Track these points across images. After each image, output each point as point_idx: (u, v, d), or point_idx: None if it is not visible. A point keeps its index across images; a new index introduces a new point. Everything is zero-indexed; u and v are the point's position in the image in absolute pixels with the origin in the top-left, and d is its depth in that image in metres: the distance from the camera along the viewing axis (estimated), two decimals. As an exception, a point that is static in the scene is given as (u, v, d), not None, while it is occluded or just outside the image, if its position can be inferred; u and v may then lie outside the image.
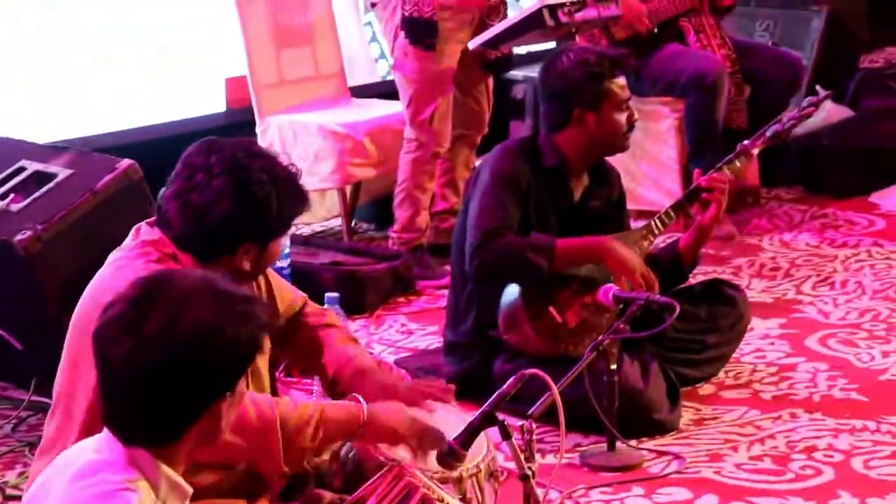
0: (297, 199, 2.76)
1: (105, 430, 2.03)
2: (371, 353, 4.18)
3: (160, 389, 1.94)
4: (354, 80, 6.08)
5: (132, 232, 2.77)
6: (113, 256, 2.74)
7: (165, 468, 1.99)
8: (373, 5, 5.27)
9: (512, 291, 3.82)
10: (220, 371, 1.97)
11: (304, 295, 3.07)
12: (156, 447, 1.98)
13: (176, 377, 1.93)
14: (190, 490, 2.04)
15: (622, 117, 3.93)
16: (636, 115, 4.00)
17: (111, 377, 1.96)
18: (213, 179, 2.65)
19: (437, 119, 5.09)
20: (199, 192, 2.64)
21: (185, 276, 2.01)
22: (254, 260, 2.72)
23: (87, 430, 2.37)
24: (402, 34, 5.07)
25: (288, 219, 2.77)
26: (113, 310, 1.97)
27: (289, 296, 3.00)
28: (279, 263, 4.75)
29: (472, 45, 5.14)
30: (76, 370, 2.67)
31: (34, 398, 3.91)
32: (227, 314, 1.96)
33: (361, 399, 2.69)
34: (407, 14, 5.02)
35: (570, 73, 3.91)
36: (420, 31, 5.02)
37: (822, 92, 4.37)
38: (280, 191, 2.70)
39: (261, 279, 2.92)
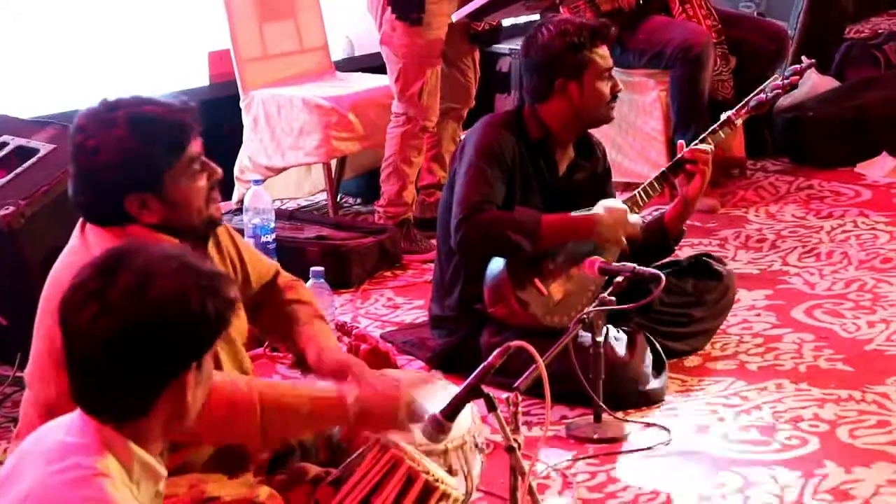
0: (161, 134, 2.57)
1: (77, 411, 2.01)
2: (357, 328, 4.19)
3: (124, 358, 1.91)
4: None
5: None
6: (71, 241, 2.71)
7: (137, 449, 1.96)
8: None
9: (497, 264, 3.81)
10: (185, 341, 1.94)
11: (276, 265, 3.05)
12: (124, 422, 1.96)
13: (140, 345, 1.91)
14: (163, 472, 2.02)
15: (605, 86, 3.92)
16: (620, 86, 3.99)
17: (76, 347, 1.94)
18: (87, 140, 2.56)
19: (425, 93, 5.07)
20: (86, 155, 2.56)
21: (154, 248, 1.99)
22: (160, 211, 2.57)
23: (55, 414, 2.36)
24: (388, 9, 5.04)
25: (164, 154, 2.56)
26: (79, 278, 1.95)
27: (260, 266, 2.98)
28: (265, 238, 4.75)
29: (455, 17, 5.11)
30: (36, 350, 2.65)
31: (19, 374, 3.90)
32: (195, 285, 1.94)
33: (349, 390, 2.62)
34: None
35: (551, 44, 3.90)
36: (407, 6, 4.99)
37: (805, 61, 4.36)
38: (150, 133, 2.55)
39: (231, 249, 2.88)
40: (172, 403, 1.98)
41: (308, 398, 2.56)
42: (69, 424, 1.99)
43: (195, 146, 2.60)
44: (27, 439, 2.06)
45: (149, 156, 2.53)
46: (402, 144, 5.13)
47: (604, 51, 3.93)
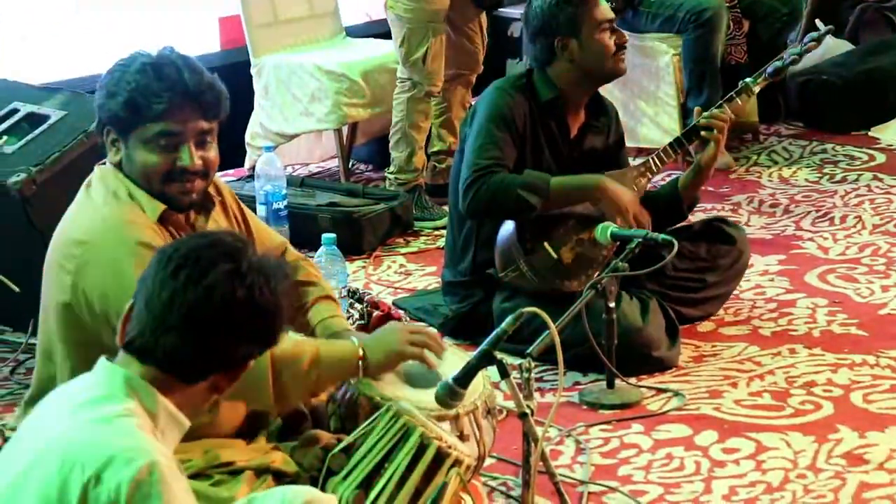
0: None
1: (100, 364, 2.03)
2: (369, 294, 4.19)
3: (219, 328, 1.99)
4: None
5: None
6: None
7: (164, 399, 2.01)
8: None
9: (507, 229, 3.81)
10: (264, 335, 2.06)
11: (285, 241, 3.04)
12: (168, 374, 2.01)
13: (238, 324, 2.01)
14: (187, 422, 2.06)
15: (606, 38, 3.88)
16: (626, 36, 3.94)
17: (174, 300, 1.99)
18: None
19: (430, 58, 5.05)
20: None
21: (262, 255, 2.10)
22: (120, 158, 2.65)
23: (73, 373, 2.37)
24: None
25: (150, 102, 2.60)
26: (216, 249, 2.02)
27: (268, 240, 2.96)
28: (276, 205, 4.74)
29: None
30: (47, 313, 2.67)
31: (32, 341, 3.90)
32: (286, 295, 2.07)
33: (355, 339, 2.70)
34: None
35: (544, 5, 3.88)
36: None
37: (822, 27, 4.32)
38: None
39: (240, 219, 2.87)
40: (216, 386, 2.05)
41: (318, 348, 2.64)
42: (91, 380, 2.03)
43: (176, 126, 2.60)
44: (45, 399, 2.08)
45: (123, 103, 2.58)
46: (409, 110, 5.12)
47: (598, 3, 3.89)
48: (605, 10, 3.90)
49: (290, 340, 2.61)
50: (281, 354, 2.55)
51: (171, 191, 2.64)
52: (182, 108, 2.59)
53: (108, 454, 1.89)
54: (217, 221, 2.78)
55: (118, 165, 2.66)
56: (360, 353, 2.67)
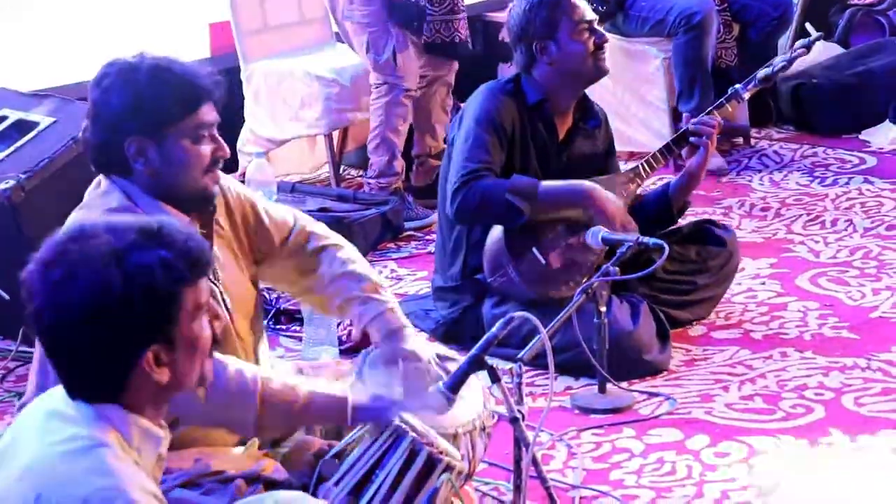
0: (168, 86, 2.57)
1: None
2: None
3: (83, 341, 1.89)
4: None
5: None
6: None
7: (134, 416, 1.95)
8: None
9: (495, 234, 3.80)
10: (136, 322, 1.90)
11: (304, 225, 2.93)
12: (103, 401, 1.93)
13: (95, 327, 1.88)
14: (161, 433, 2.00)
15: (583, 38, 3.86)
16: (605, 37, 3.91)
17: (43, 321, 1.92)
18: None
19: (399, 57, 5.05)
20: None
21: (92, 233, 1.93)
22: (155, 162, 2.58)
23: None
24: None
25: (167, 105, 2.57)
26: (25, 272, 1.93)
27: (285, 225, 2.90)
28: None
29: None
30: None
31: (22, 349, 3.90)
32: (124, 259, 1.88)
33: (349, 393, 2.58)
34: None
35: (520, 10, 3.89)
36: (407, 14, 4.98)
37: (812, 32, 4.33)
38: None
39: (249, 211, 2.84)
40: (147, 381, 1.93)
41: (308, 401, 2.53)
42: (64, 397, 1.97)
43: (208, 114, 2.60)
44: (23, 412, 2.05)
45: (159, 103, 2.55)
46: (387, 113, 5.12)
47: (575, 4, 3.87)
48: (581, 11, 3.88)
49: (281, 382, 2.54)
50: (271, 394, 2.51)
51: (208, 181, 2.63)
52: (204, 99, 2.59)
53: (83, 496, 1.84)
54: (222, 226, 2.76)
55: (151, 176, 2.59)
56: (350, 413, 2.56)
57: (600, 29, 3.93)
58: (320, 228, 2.97)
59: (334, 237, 2.97)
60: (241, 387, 2.49)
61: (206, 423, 2.57)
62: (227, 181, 2.81)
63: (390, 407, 2.57)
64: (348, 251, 2.94)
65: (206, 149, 2.61)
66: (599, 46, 3.88)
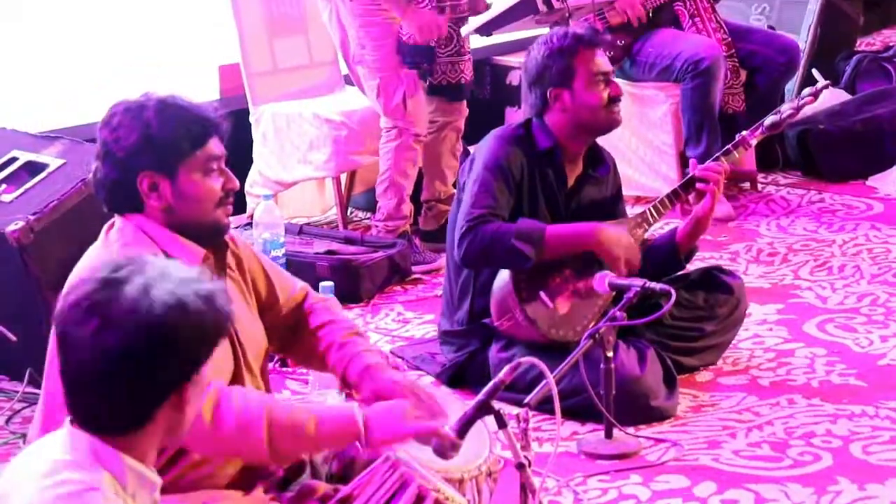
0: (181, 120, 2.60)
1: (66, 426, 2.00)
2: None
3: (125, 372, 1.91)
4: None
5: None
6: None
7: (130, 460, 1.95)
8: None
9: (503, 278, 3.80)
10: (184, 354, 1.94)
11: (305, 285, 3.00)
12: (120, 436, 1.95)
13: (141, 359, 1.90)
14: (157, 480, 2.00)
15: (598, 91, 3.87)
16: (620, 89, 3.92)
17: (73, 361, 1.93)
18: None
19: (409, 102, 5.07)
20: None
21: (152, 261, 1.98)
22: (168, 197, 2.60)
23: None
24: (356, 27, 5.02)
25: (179, 140, 2.59)
26: (78, 291, 1.94)
27: (288, 286, 2.95)
28: (274, 253, 4.74)
29: (464, 31, 5.11)
30: (52, 368, 2.64)
31: (28, 390, 3.90)
32: (193, 296, 1.93)
33: (357, 410, 2.57)
34: (405, 39, 4.99)
35: (538, 55, 3.90)
36: (418, 57, 5.01)
37: (821, 81, 4.34)
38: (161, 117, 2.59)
39: (255, 267, 2.87)
40: (170, 416, 1.96)
41: (317, 417, 2.54)
42: (59, 441, 1.98)
43: (217, 147, 2.64)
44: (18, 456, 2.05)
45: (169, 139, 2.58)
46: (396, 157, 5.13)
47: (594, 55, 3.88)
48: (599, 63, 3.89)
49: (287, 408, 2.55)
50: (279, 413, 2.51)
51: (220, 215, 2.67)
52: (211, 132, 2.63)
53: None
54: (233, 269, 2.77)
55: (164, 211, 2.62)
56: (361, 429, 2.55)
57: (616, 81, 3.94)
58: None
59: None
60: (248, 409, 2.50)
61: (216, 449, 2.56)
62: (233, 233, 2.83)
63: (402, 418, 2.55)
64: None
65: (217, 182, 2.64)
66: (614, 99, 3.89)
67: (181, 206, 2.63)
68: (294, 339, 2.95)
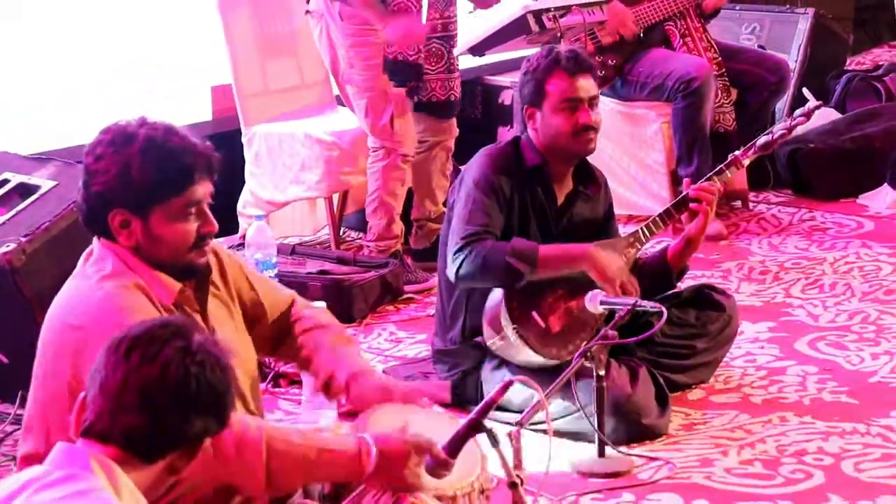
0: (166, 159, 2.55)
1: (59, 448, 2.03)
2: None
3: (172, 411, 2.03)
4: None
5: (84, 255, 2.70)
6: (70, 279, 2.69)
7: (124, 477, 2.00)
8: (307, 13, 5.21)
9: (495, 298, 3.81)
10: (219, 415, 2.10)
11: (293, 294, 2.99)
12: (128, 455, 2.02)
13: (190, 405, 2.05)
14: (145, 502, 2.04)
15: (564, 117, 3.83)
16: (593, 118, 3.84)
17: (112, 377, 2.02)
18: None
19: (397, 122, 5.08)
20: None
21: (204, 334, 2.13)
22: (138, 237, 2.57)
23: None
24: (346, 47, 5.03)
25: (158, 185, 2.54)
26: (167, 329, 2.06)
27: (275, 296, 2.94)
28: (267, 273, 4.74)
29: (456, 51, 5.13)
30: (45, 390, 2.62)
31: (20, 412, 3.88)
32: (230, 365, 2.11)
33: (371, 441, 2.50)
34: (391, 56, 5.00)
35: (522, 72, 3.93)
36: (406, 74, 5.02)
37: (812, 101, 4.36)
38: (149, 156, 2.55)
39: (242, 282, 2.85)
40: (173, 466, 2.06)
41: (318, 449, 2.48)
42: (53, 460, 2.01)
43: (199, 191, 2.59)
44: (7, 480, 2.05)
45: (147, 183, 2.54)
46: (385, 177, 5.13)
47: (569, 79, 3.83)
48: (573, 88, 3.83)
49: (291, 433, 2.53)
50: (278, 439, 2.48)
51: (195, 257, 2.62)
52: (199, 175, 2.58)
53: None
54: (217, 287, 2.77)
55: (133, 249, 2.59)
56: (367, 472, 2.49)
57: (593, 110, 3.86)
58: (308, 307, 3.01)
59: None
60: (245, 436, 2.47)
61: (215, 476, 2.54)
62: (217, 247, 2.82)
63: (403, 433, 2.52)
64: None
65: (192, 226, 2.59)
66: (587, 127, 3.84)
67: (151, 247, 2.59)
68: (279, 344, 2.95)
